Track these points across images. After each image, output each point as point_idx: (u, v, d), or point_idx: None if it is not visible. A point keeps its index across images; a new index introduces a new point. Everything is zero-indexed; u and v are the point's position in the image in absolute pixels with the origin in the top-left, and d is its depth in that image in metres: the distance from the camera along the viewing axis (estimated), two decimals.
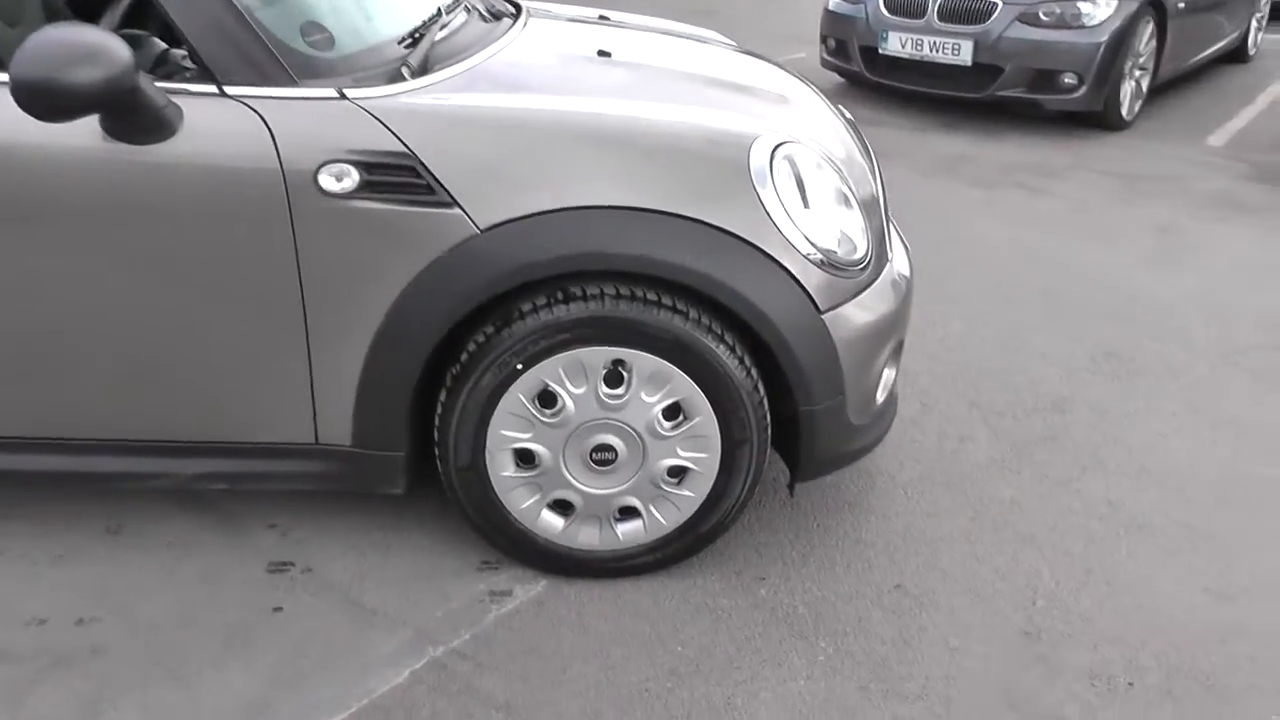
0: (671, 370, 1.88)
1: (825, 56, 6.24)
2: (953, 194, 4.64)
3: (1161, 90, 6.21)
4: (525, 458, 1.97)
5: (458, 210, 1.77)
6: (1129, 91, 5.63)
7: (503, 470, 1.96)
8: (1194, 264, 3.87)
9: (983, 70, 5.48)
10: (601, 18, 2.76)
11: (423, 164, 1.76)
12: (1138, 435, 2.67)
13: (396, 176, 1.76)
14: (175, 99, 1.74)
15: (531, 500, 2.00)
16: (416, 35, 2.07)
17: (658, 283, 1.85)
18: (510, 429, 1.92)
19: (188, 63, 1.85)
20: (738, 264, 1.84)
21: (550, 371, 1.87)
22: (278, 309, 1.84)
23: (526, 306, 1.85)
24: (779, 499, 2.37)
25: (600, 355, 1.86)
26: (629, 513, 2.04)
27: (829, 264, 1.92)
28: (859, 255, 1.98)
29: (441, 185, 1.76)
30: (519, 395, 1.89)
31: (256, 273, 1.81)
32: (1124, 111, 5.65)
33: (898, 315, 2.11)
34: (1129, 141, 5.53)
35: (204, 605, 1.99)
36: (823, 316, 1.91)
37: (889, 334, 2.09)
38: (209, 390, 1.92)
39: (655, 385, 1.90)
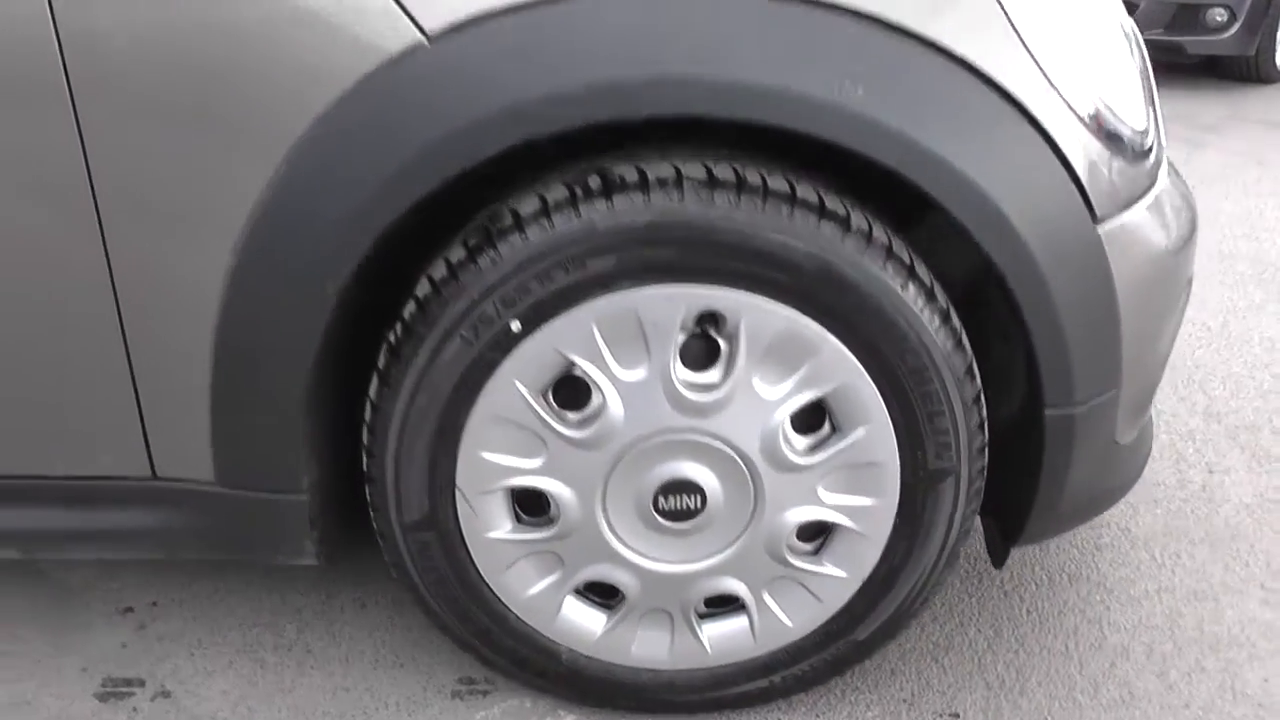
0: (815, 333, 0.96)
1: None
2: None
3: None
4: (531, 504, 1.07)
5: None
6: None
7: (489, 528, 1.04)
8: None
9: None
10: None
11: None
12: None
13: None
14: None
15: (545, 583, 1.08)
16: None
17: (793, 153, 0.94)
18: (499, 449, 1.00)
19: None
20: (960, 119, 0.92)
21: (575, 336, 0.95)
22: (39, 218, 0.94)
23: (527, 205, 0.95)
24: (962, 569, 1.45)
25: (676, 303, 0.94)
26: (723, 601, 1.13)
27: (1106, 134, 1.00)
28: (1142, 125, 1.06)
29: None
30: (515, 383, 0.97)
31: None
32: (1279, 59, 4.66)
33: (1193, 239, 1.18)
34: None
35: None
36: (1099, 229, 0.99)
37: (1186, 271, 1.16)
38: None
39: (781, 364, 0.98)
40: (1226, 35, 4.44)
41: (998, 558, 1.23)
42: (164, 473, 1.07)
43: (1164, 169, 1.16)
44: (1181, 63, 4.73)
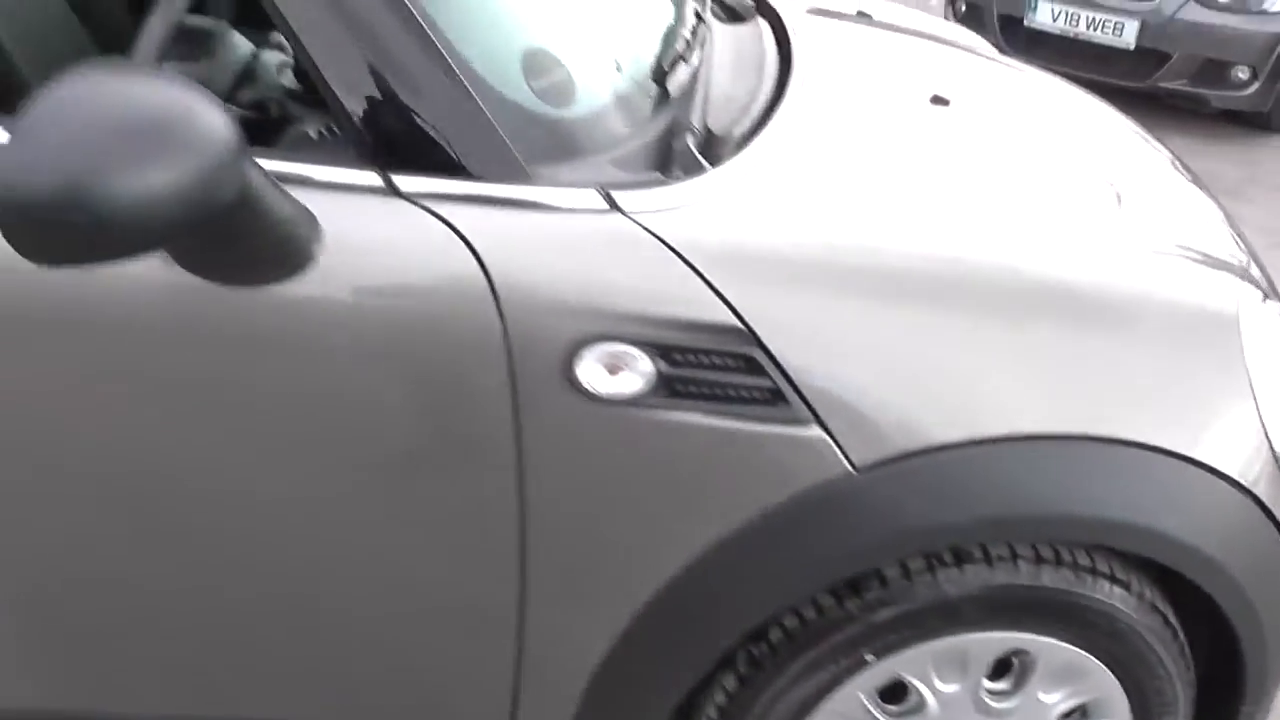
0: (1090, 664, 1.23)
1: (952, 20, 5.41)
2: None
3: None
4: None
5: (819, 433, 1.07)
6: None
7: None
8: None
9: (1146, 56, 4.69)
10: (860, 14, 1.95)
11: (769, 353, 1.05)
12: None
13: (722, 372, 1.05)
14: (304, 196, 0.95)
15: None
16: (675, 65, 1.26)
17: (1100, 545, 1.19)
18: None
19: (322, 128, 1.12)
20: (1223, 521, 1.18)
21: (914, 663, 1.21)
22: (469, 550, 1.13)
23: (891, 570, 1.18)
24: None
25: (996, 643, 1.20)
26: None
27: None
28: None
29: (799, 390, 1.06)
30: (857, 693, 1.23)
31: (438, 499, 1.10)
32: None
33: None
34: None
35: None
36: None
37: None
38: (330, 663, 1.22)
39: (1062, 682, 1.24)
40: (1247, 92, 4.69)
41: None
42: None
43: None
44: (1200, 111, 4.98)
